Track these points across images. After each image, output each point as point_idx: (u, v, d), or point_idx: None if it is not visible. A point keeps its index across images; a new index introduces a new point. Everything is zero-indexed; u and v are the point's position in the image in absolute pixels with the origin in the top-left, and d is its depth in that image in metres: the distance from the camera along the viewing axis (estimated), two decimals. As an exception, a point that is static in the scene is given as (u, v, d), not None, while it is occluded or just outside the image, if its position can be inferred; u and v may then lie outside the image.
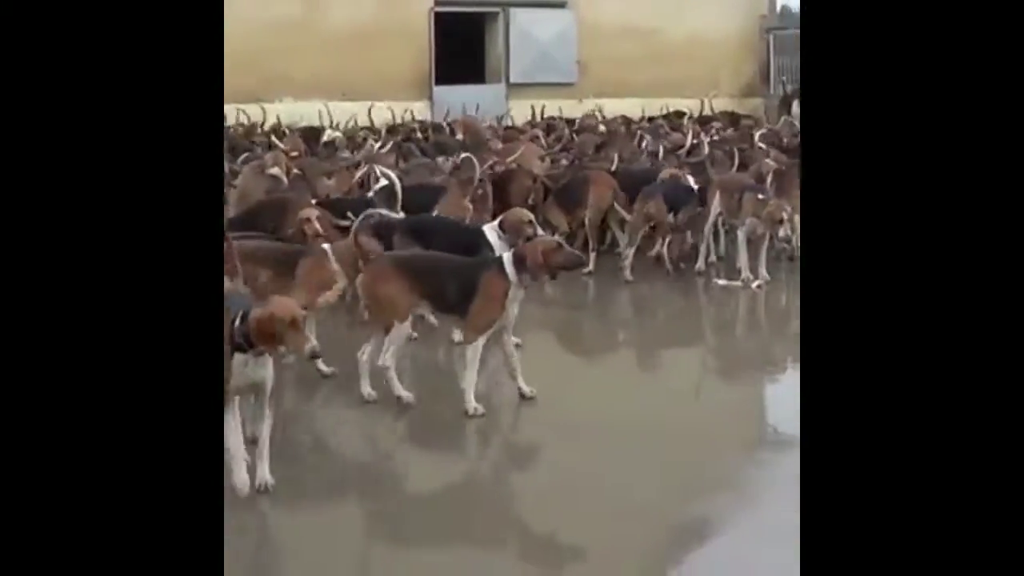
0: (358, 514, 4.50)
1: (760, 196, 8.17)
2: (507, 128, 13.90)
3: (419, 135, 12.63)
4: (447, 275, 5.44)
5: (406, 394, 5.47)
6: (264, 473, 4.34)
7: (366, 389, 5.53)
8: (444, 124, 14.02)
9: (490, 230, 6.43)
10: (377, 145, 10.93)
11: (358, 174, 8.47)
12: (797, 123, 13.42)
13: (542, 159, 10.30)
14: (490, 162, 9.22)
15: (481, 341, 5.35)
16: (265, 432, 4.36)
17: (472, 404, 5.33)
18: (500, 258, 5.46)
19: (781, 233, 7.90)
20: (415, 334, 6.46)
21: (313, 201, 7.58)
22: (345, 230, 7.12)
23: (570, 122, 14.22)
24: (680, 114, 15.48)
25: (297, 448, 5.00)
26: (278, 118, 13.69)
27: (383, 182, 7.81)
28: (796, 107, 16.15)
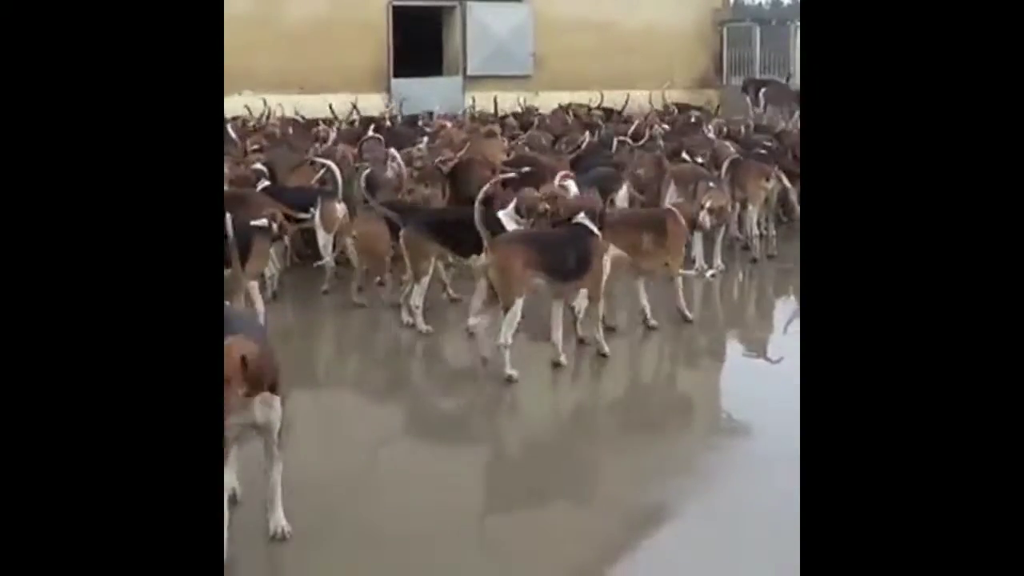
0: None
1: (711, 185, 8.23)
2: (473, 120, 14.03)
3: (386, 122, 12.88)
4: (564, 247, 5.89)
5: (515, 372, 5.69)
6: (278, 519, 3.93)
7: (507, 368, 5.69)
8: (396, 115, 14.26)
9: (505, 216, 6.58)
10: (333, 135, 11.05)
11: (320, 172, 8.57)
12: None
13: (507, 152, 10.42)
14: (445, 155, 9.37)
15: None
16: (276, 475, 3.91)
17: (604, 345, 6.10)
18: (585, 224, 5.96)
19: (701, 217, 7.92)
20: (430, 328, 6.61)
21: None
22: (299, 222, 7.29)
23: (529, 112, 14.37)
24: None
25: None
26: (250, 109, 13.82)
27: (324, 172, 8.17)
28: None
